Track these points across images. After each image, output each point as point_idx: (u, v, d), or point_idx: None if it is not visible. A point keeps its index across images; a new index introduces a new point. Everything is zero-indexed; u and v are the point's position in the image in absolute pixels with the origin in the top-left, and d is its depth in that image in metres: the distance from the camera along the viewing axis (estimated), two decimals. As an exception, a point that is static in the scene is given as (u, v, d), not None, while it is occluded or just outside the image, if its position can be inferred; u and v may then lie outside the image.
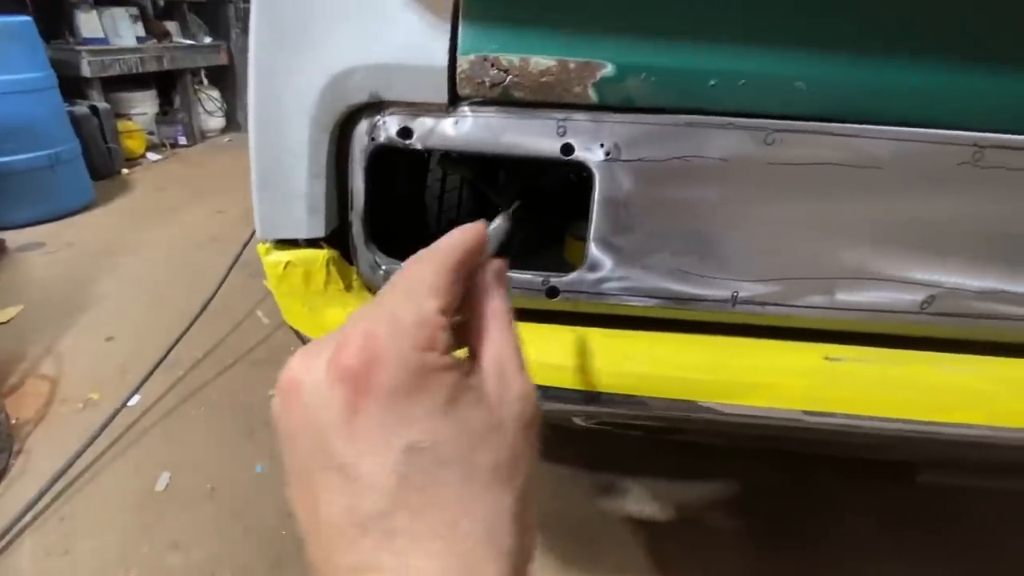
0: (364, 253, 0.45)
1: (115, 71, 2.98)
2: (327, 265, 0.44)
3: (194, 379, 1.49)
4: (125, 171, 3.02)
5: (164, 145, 3.46)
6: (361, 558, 0.22)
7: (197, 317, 1.64)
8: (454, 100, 0.40)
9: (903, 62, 0.38)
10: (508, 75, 0.38)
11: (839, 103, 0.39)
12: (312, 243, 0.44)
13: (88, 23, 2.88)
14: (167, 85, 3.57)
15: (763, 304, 0.45)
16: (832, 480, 1.20)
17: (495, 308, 0.27)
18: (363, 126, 0.41)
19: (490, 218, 0.29)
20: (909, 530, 1.09)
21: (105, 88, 3.02)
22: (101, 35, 2.96)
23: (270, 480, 1.19)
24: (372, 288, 0.47)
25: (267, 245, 0.44)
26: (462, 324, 0.28)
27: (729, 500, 1.20)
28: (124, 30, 3.04)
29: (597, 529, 1.12)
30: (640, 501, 1.19)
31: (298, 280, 0.44)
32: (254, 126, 0.40)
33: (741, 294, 0.44)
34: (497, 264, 0.30)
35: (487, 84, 0.39)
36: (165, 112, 3.53)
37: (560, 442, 1.31)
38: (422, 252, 0.27)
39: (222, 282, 1.76)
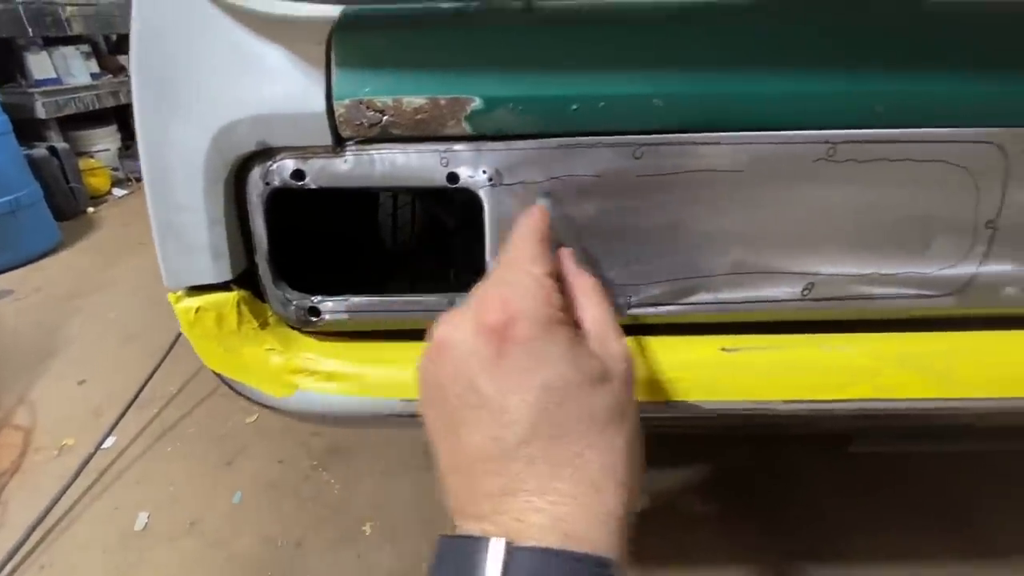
0: (274, 291, 0.47)
1: (71, 110, 2.95)
2: (238, 306, 0.46)
3: (169, 415, 1.50)
4: (91, 209, 3.00)
5: (129, 179, 3.43)
6: (508, 481, 0.26)
7: (168, 352, 1.64)
8: (339, 141, 0.42)
9: (748, 74, 0.41)
10: (384, 115, 0.41)
11: (696, 115, 0.41)
12: (222, 285, 0.46)
13: (39, 64, 2.86)
14: (128, 118, 3.55)
15: (656, 305, 0.47)
16: (804, 458, 1.23)
17: (584, 285, 0.34)
18: (256, 172, 0.43)
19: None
20: (884, 502, 1.11)
21: (63, 128, 2.99)
22: (53, 75, 2.93)
23: (249, 507, 1.20)
24: (288, 323, 0.49)
25: (177, 293, 0.46)
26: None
27: (703, 484, 1.23)
28: (77, 68, 3.01)
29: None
30: (614, 493, 1.22)
31: (211, 323, 0.46)
32: (148, 180, 0.42)
33: (633, 297, 0.47)
34: (569, 251, 0.37)
35: (366, 125, 0.41)
36: (128, 146, 3.50)
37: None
38: (511, 240, 0.34)
39: (192, 315, 1.76)
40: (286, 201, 0.46)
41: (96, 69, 3.17)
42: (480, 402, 0.27)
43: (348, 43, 0.40)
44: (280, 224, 0.47)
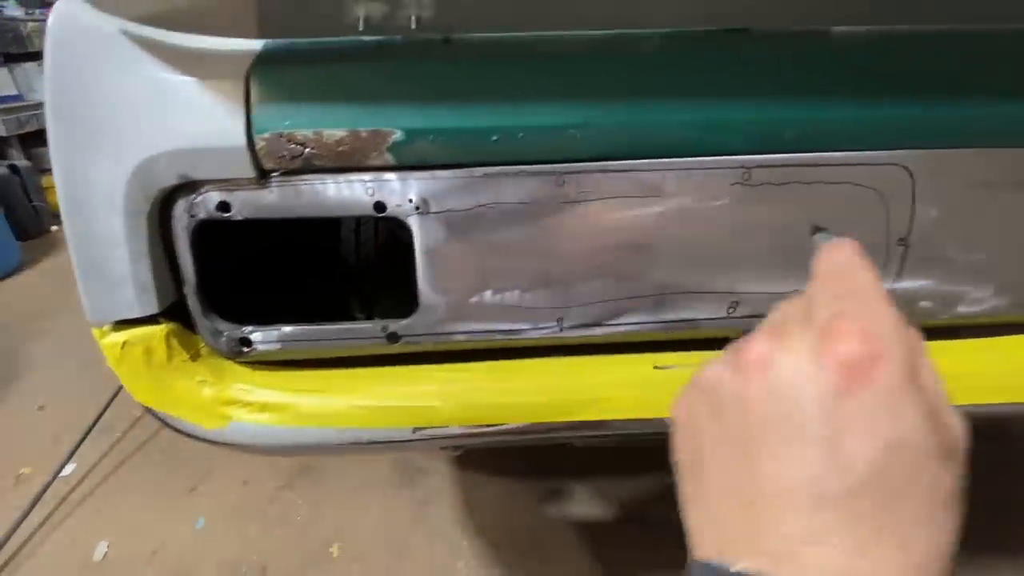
0: (204, 323, 0.47)
1: (33, 126, 2.89)
2: (167, 339, 0.46)
3: (132, 440, 1.46)
4: (54, 228, 2.92)
5: (96, 196, 3.36)
6: (814, 528, 0.22)
7: (132, 374, 1.61)
8: (263, 173, 0.43)
9: (663, 103, 0.42)
10: (305, 148, 0.41)
11: (613, 144, 0.43)
12: (149, 319, 0.45)
13: (-1, 81, 2.79)
14: (94, 135, 3.48)
15: (588, 326, 0.48)
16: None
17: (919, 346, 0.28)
18: (181, 205, 0.43)
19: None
20: None
21: (25, 145, 2.92)
22: (15, 92, 2.87)
23: (214, 532, 1.17)
24: (221, 354, 0.49)
25: (103, 328, 0.45)
26: None
27: (671, 494, 1.24)
28: (38, 84, 2.95)
29: (544, 536, 1.14)
30: (585, 503, 1.22)
31: (139, 358, 0.45)
32: (67, 217, 0.42)
33: (566, 320, 0.48)
34: None
35: (288, 157, 0.41)
36: (94, 162, 3.43)
37: (510, 455, 1.34)
38: (835, 268, 0.28)
39: (156, 335, 1.73)
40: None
41: (60, 85, 3.10)
42: (801, 435, 0.24)
43: (267, 77, 0.41)
44: (229, 245, 0.47)
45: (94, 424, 1.44)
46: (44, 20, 2.48)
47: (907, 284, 0.48)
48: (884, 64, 0.44)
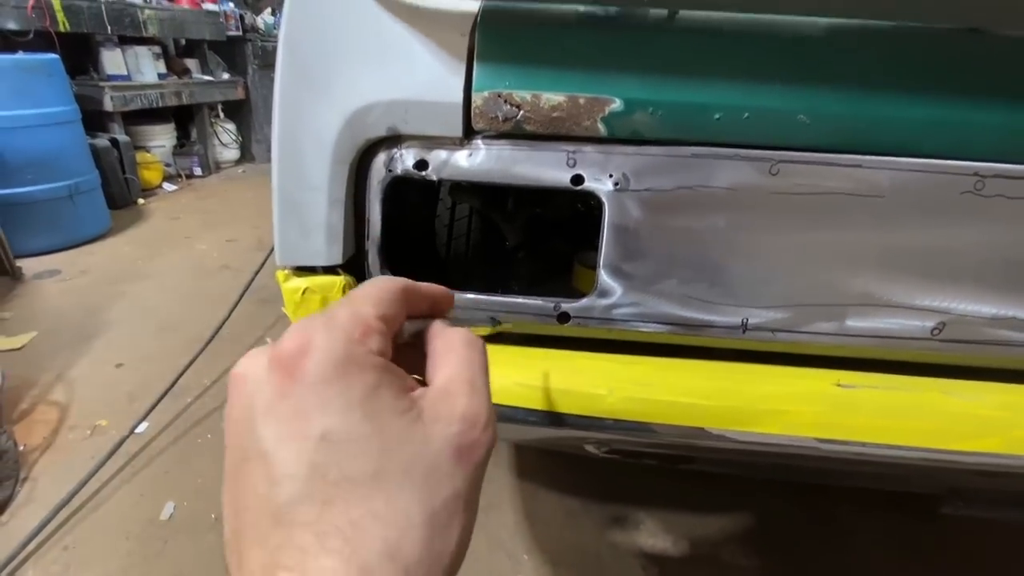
0: (379, 280, 0.46)
1: (136, 105, 3.09)
2: (344, 291, 0.45)
3: (202, 407, 1.49)
4: (141, 201, 3.10)
5: (180, 176, 3.56)
6: (268, 556, 0.21)
7: (207, 344, 1.65)
8: (468, 133, 0.42)
9: (902, 95, 0.39)
10: (520, 110, 0.40)
11: (841, 135, 0.40)
12: (329, 270, 0.45)
13: (112, 60, 3.01)
14: (185, 118, 3.70)
15: (773, 331, 0.45)
16: (850, 515, 1.17)
17: (452, 339, 0.27)
18: (381, 158, 0.43)
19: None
20: (930, 570, 1.05)
21: (126, 121, 3.13)
22: (124, 72, 3.09)
23: (275, 510, 1.17)
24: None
25: (285, 272, 0.45)
26: (422, 358, 0.28)
27: (743, 535, 1.16)
28: (146, 67, 3.17)
29: (608, 562, 1.09)
30: (652, 534, 1.16)
31: (316, 306, 0.45)
32: (277, 158, 0.42)
33: (751, 320, 0.45)
34: (444, 317, 0.31)
35: (500, 119, 0.41)
36: (182, 144, 3.64)
37: (572, 472, 1.29)
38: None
39: (232, 309, 1.78)
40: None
41: (163, 70, 3.32)
42: (256, 451, 0.22)
43: (493, 35, 0.40)
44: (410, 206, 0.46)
45: (170, 388, 1.49)
46: (160, 9, 2.69)
47: None
48: None
